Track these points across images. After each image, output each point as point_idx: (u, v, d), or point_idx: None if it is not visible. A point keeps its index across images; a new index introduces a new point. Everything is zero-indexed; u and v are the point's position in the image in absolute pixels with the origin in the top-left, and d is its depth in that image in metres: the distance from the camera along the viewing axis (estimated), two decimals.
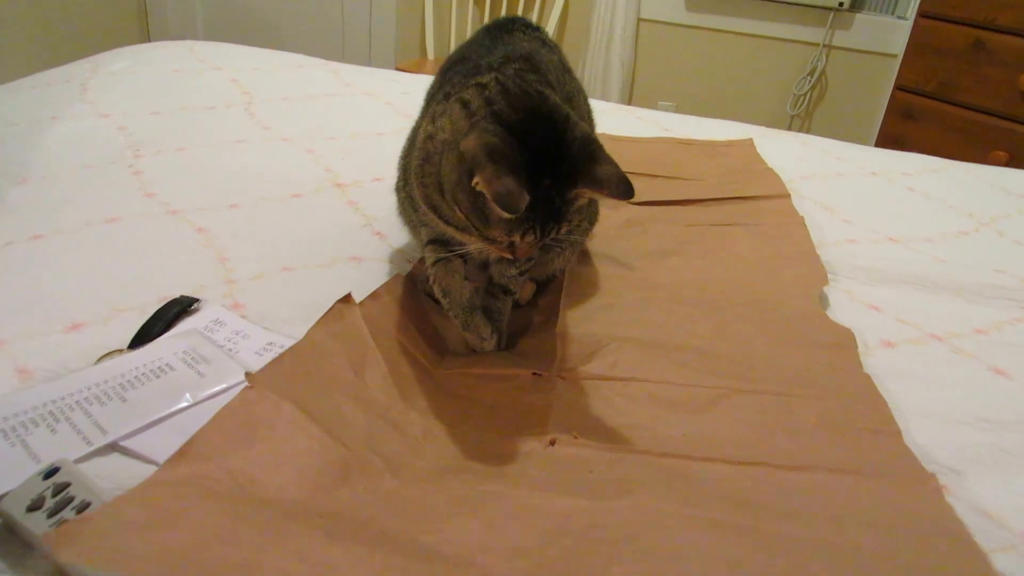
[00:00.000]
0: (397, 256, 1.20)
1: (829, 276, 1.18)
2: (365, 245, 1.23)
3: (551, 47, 1.06)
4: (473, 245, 0.88)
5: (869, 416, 0.88)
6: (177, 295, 1.03)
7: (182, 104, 1.70)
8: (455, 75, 0.93)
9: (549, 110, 0.80)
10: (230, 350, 0.95)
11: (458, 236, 0.89)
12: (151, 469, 0.77)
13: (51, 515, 0.67)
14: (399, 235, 1.21)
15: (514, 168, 0.73)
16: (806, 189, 1.49)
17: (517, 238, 0.79)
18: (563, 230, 0.81)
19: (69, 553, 0.55)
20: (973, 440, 0.89)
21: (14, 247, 1.12)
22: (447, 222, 0.89)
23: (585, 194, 0.79)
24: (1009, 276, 1.25)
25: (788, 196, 1.42)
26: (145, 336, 0.96)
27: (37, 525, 0.66)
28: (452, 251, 0.94)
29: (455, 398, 0.91)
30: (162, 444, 0.79)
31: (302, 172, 1.44)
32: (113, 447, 0.79)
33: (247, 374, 0.79)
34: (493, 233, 0.79)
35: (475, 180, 0.74)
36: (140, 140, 1.51)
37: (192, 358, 0.92)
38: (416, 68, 3.09)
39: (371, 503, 0.71)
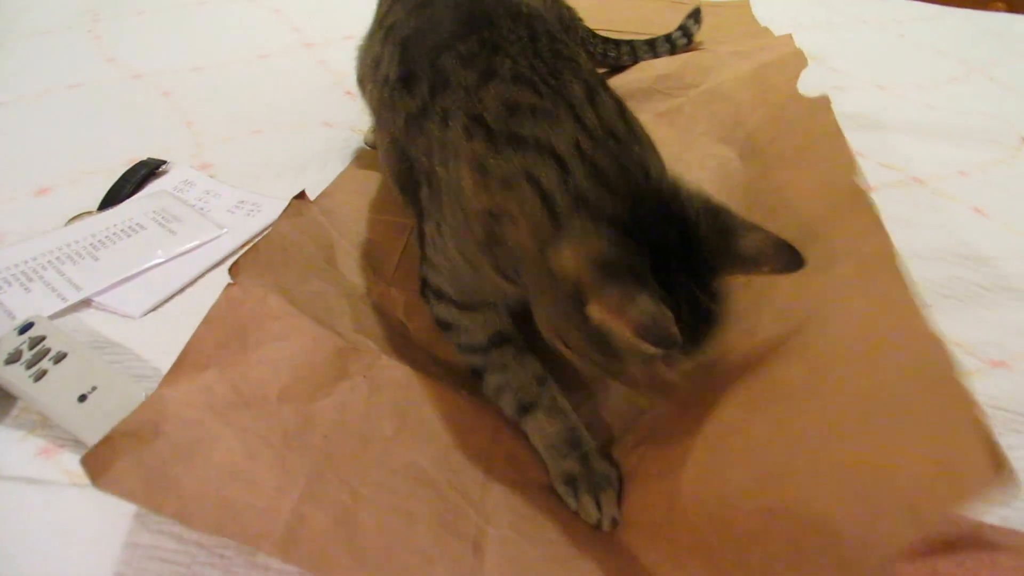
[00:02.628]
0: (367, 121, 1.16)
1: None
2: (336, 107, 1.19)
3: None
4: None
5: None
6: (144, 158, 1.01)
7: None
8: (440, 61, 0.69)
9: (655, 182, 0.58)
10: (201, 209, 0.93)
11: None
12: (128, 323, 0.78)
13: (29, 366, 0.68)
14: None
15: (643, 279, 0.52)
16: (796, 40, 1.43)
17: (663, 369, 0.57)
18: (722, 333, 0.58)
19: (107, 483, 0.50)
20: (949, 275, 0.89)
21: None
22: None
23: (736, 278, 0.58)
24: (996, 119, 1.23)
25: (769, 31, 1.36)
26: (114, 198, 0.95)
27: (17, 376, 0.67)
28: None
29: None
30: (136, 299, 0.80)
31: (269, 33, 1.38)
32: (88, 303, 0.79)
33: (230, 270, 0.70)
34: (628, 369, 0.57)
35: (591, 310, 0.53)
36: (98, 5, 1.43)
37: (163, 217, 0.91)
38: None
39: (369, 389, 0.68)
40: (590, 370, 0.63)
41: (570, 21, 1.20)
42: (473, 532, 0.57)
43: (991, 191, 1.05)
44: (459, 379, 0.73)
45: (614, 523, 0.62)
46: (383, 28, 0.83)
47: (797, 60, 1.11)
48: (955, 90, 1.35)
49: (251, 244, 0.88)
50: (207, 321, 0.64)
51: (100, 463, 0.51)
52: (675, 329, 0.49)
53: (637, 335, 0.50)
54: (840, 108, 1.20)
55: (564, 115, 0.60)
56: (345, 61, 1.20)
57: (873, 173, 1.07)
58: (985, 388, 0.76)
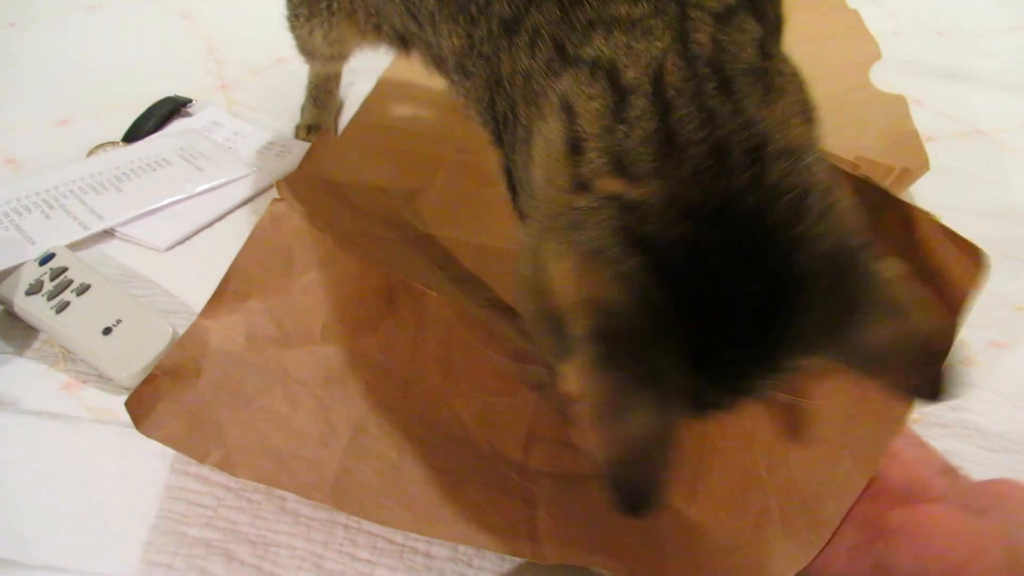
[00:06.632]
0: None
1: (872, 72, 1.09)
2: None
3: None
4: None
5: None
6: (169, 93, 0.96)
7: None
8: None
9: (766, 180, 0.35)
10: (230, 148, 0.90)
11: None
12: (153, 255, 0.75)
13: (51, 297, 0.65)
14: None
15: (652, 380, 0.33)
16: None
17: None
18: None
19: (150, 428, 0.51)
20: (1011, 233, 0.85)
21: None
22: None
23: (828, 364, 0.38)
24: None
25: None
26: (137, 132, 0.91)
27: (38, 307, 0.65)
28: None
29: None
30: (161, 231, 0.77)
31: None
32: (111, 234, 0.76)
33: (277, 185, 0.66)
34: None
35: (565, 375, 0.34)
36: None
37: (190, 154, 0.87)
38: None
39: (417, 328, 0.64)
40: None
41: None
42: (520, 491, 0.55)
43: None
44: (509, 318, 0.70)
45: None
46: None
47: (871, 51, 1.08)
48: (1016, 39, 1.28)
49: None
50: (250, 242, 0.61)
51: (142, 406, 0.50)
52: (656, 487, 0.33)
53: (605, 473, 0.33)
54: (898, 55, 1.15)
55: (661, 26, 0.38)
56: None
57: (933, 123, 1.01)
58: None
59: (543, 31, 0.42)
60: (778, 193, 0.34)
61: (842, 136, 0.94)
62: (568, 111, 0.39)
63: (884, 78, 1.09)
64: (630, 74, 0.37)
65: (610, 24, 0.39)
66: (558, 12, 0.42)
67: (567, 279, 0.35)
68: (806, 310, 0.34)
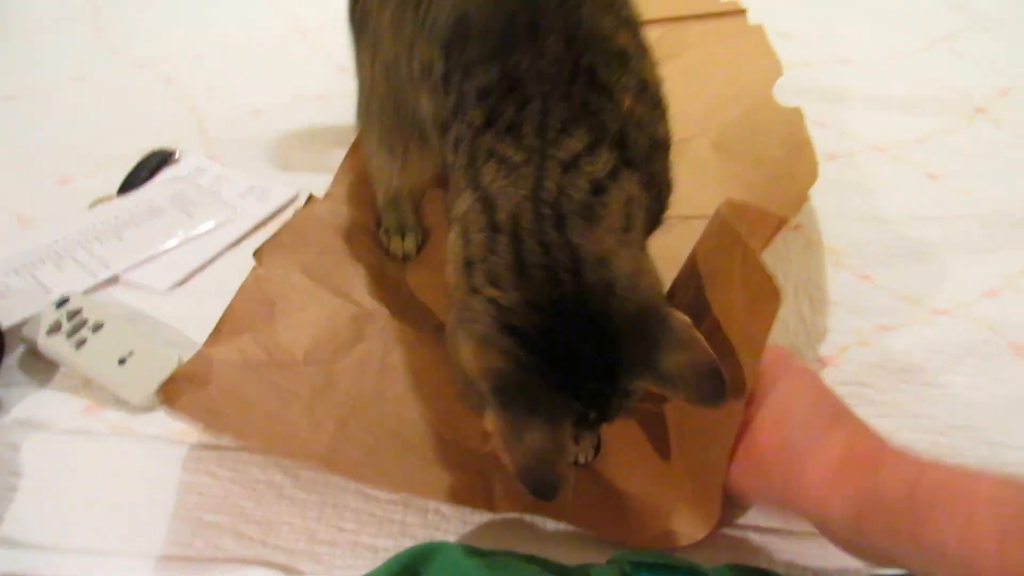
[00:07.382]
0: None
1: (782, 100, 1.22)
2: (331, 82, 1.24)
3: None
4: None
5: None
6: (156, 147, 1.07)
7: None
8: (465, 86, 0.62)
9: (583, 283, 0.52)
10: (215, 193, 1.01)
11: None
12: (154, 296, 0.86)
13: (70, 335, 0.76)
14: None
15: (538, 407, 0.51)
16: (764, 16, 1.50)
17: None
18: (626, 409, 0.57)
19: (177, 412, 0.64)
20: (895, 235, 0.98)
21: None
22: None
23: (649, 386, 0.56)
24: (953, 90, 1.30)
25: (743, 12, 1.42)
26: (131, 184, 1.02)
27: (59, 345, 0.75)
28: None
29: None
30: (161, 275, 0.88)
31: (264, 20, 1.44)
32: (116, 279, 0.87)
33: (255, 253, 0.81)
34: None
35: (485, 420, 0.54)
36: None
37: (180, 201, 0.98)
38: None
39: (383, 350, 0.77)
40: None
41: None
42: (479, 469, 0.67)
43: (945, 157, 1.13)
44: None
45: (587, 459, 0.71)
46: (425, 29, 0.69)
47: (773, 69, 1.18)
48: (916, 62, 1.41)
49: (265, 226, 0.96)
50: (239, 295, 0.76)
51: (170, 397, 0.64)
52: (556, 478, 0.50)
53: (516, 476, 0.50)
54: (806, 84, 1.30)
55: (527, 174, 0.56)
56: (338, 43, 1.27)
57: (837, 142, 1.15)
58: (928, 334, 0.85)
59: (463, 141, 0.61)
60: (593, 289, 0.52)
61: (751, 144, 1.08)
62: (466, 232, 0.56)
63: (794, 103, 1.23)
64: (501, 215, 0.55)
65: (500, 161, 0.57)
66: (471, 133, 0.61)
67: (471, 358, 0.53)
68: (627, 351, 0.52)
